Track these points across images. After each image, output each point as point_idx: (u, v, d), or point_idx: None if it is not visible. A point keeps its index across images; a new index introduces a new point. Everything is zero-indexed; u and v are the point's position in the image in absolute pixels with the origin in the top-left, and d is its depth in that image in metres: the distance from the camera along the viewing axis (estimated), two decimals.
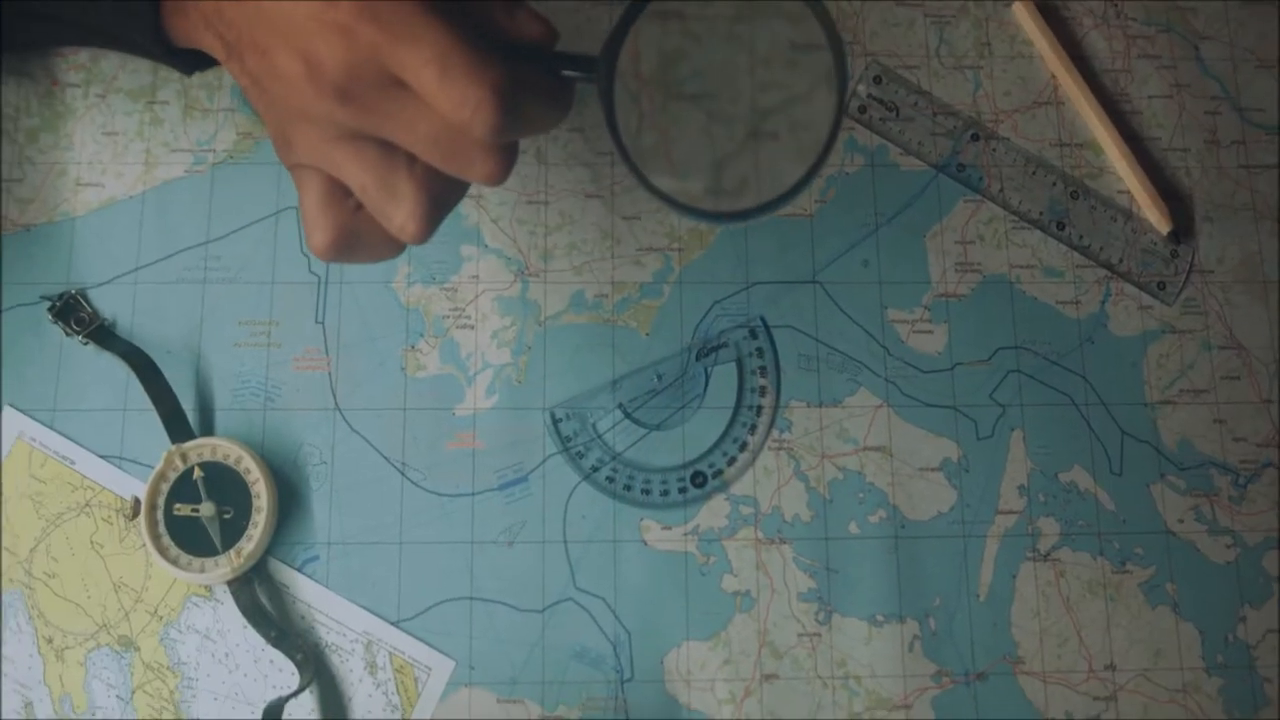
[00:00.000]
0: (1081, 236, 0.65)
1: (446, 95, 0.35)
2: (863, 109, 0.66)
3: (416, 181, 0.39)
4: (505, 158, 0.38)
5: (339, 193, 0.40)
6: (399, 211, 0.39)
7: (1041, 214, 0.65)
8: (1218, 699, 0.60)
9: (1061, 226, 0.65)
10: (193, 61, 0.49)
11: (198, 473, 0.57)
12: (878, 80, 0.66)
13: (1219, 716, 0.59)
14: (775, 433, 0.61)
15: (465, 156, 0.37)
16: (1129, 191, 0.66)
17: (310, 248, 0.41)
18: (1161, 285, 0.64)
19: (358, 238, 0.41)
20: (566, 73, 0.39)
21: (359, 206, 0.40)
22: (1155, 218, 0.65)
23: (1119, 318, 0.64)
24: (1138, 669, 0.60)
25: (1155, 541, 0.61)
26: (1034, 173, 0.65)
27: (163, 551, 0.56)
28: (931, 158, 0.65)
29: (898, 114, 0.66)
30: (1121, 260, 0.65)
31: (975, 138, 0.66)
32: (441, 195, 0.40)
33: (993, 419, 0.62)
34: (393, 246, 0.42)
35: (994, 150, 0.66)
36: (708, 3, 0.41)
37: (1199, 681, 0.60)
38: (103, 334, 0.60)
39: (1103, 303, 0.64)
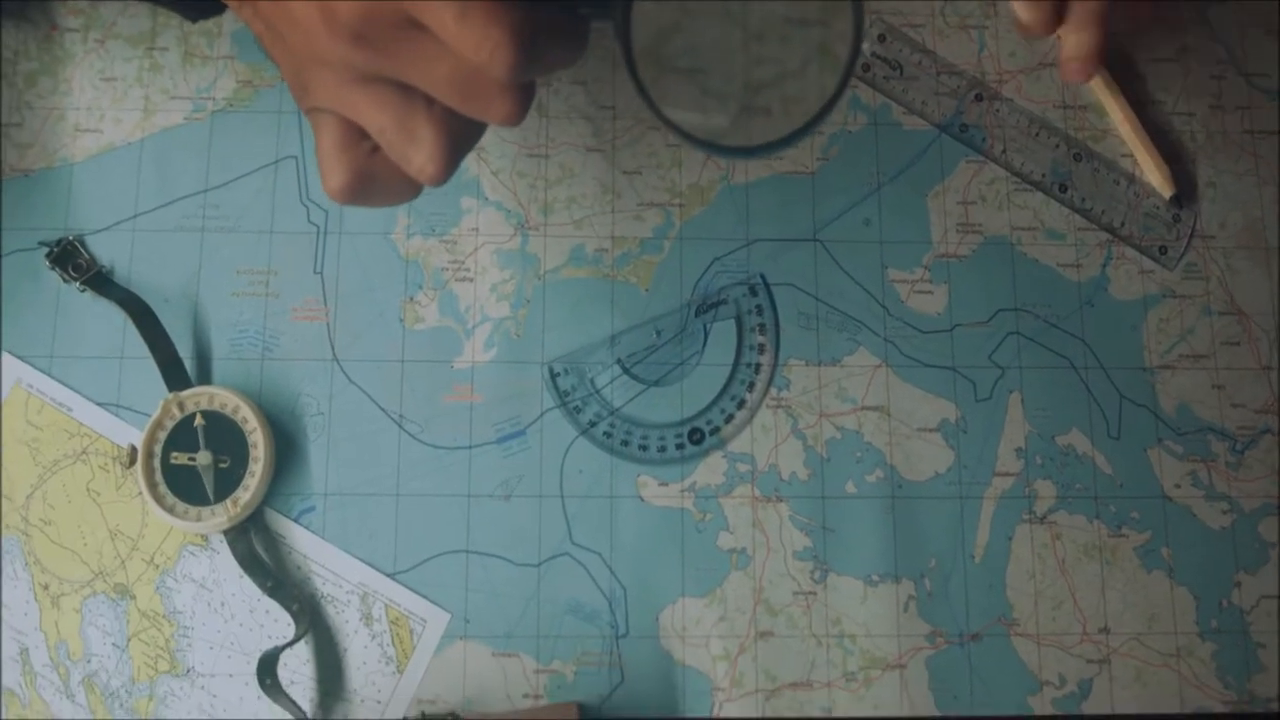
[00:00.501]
0: (1084, 199, 0.67)
1: (465, 36, 0.36)
2: (866, 67, 0.68)
3: (435, 123, 0.40)
4: (523, 97, 0.39)
5: (355, 135, 0.42)
6: (419, 153, 0.40)
7: (1044, 176, 0.67)
8: (1211, 664, 0.62)
9: (1064, 189, 0.67)
10: (199, 7, 0.52)
11: (199, 420, 0.59)
12: (882, 38, 0.69)
13: (1212, 681, 0.62)
14: (773, 391, 0.64)
15: (484, 97, 0.39)
16: (1132, 155, 0.68)
17: (326, 190, 0.42)
18: (1163, 249, 0.67)
19: (374, 180, 0.42)
20: (583, 10, 0.40)
21: (375, 149, 0.42)
22: (1158, 182, 0.67)
23: (1120, 281, 0.66)
24: (1132, 633, 0.62)
25: (1152, 506, 0.64)
26: (1037, 134, 0.68)
27: (159, 500, 0.59)
28: (934, 117, 0.68)
29: (901, 73, 0.68)
30: (1123, 224, 0.67)
31: (979, 98, 0.68)
32: (460, 136, 0.41)
33: (991, 381, 0.65)
34: (409, 189, 0.43)
35: (997, 111, 0.68)
36: None
37: (1193, 646, 0.62)
38: (100, 281, 0.62)
39: (1104, 266, 0.67)
